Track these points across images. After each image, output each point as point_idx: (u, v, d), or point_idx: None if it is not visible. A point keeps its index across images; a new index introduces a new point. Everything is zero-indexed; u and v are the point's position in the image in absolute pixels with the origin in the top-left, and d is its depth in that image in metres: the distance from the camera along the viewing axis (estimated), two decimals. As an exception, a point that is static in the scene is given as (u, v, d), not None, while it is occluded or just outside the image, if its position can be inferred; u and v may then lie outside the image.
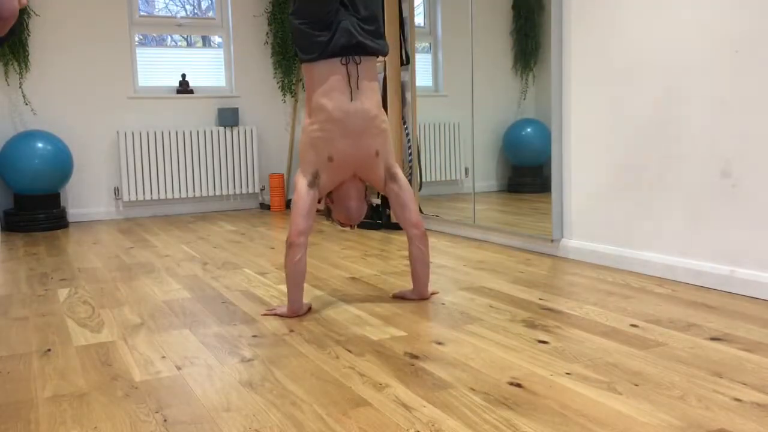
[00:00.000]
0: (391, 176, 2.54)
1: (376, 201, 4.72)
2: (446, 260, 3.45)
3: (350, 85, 2.41)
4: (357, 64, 2.41)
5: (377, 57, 2.50)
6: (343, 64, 2.40)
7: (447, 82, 4.32)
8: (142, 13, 5.73)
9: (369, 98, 2.45)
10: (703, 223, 2.76)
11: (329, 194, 2.59)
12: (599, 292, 2.71)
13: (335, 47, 2.37)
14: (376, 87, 2.52)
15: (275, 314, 2.51)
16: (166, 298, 2.83)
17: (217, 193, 5.89)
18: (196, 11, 6.06)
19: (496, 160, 3.92)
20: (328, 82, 2.40)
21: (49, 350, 2.17)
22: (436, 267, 3.26)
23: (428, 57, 4.50)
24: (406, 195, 2.56)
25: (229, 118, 5.85)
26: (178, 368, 1.97)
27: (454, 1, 4.17)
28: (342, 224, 2.65)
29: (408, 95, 4.63)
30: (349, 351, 2.08)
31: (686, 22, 2.76)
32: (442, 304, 2.61)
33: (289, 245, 2.42)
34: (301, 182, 2.46)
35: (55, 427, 1.60)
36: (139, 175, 5.59)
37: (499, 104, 3.83)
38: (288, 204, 5.89)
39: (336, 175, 2.48)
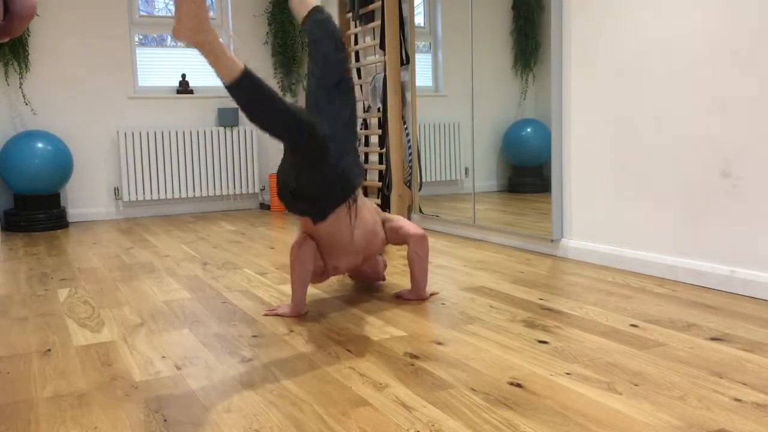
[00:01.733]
0: (382, 221, 2.66)
1: (376, 201, 4.73)
2: (446, 260, 3.45)
3: (351, 220, 2.48)
4: (356, 199, 2.50)
5: None
6: (347, 206, 2.47)
7: (447, 82, 4.32)
8: (142, 13, 5.73)
9: (367, 217, 2.55)
10: (703, 223, 2.76)
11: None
12: (599, 292, 2.71)
13: (341, 203, 2.43)
14: (365, 200, 2.62)
15: (276, 314, 2.51)
16: (166, 298, 2.83)
17: (217, 193, 5.89)
18: (196, 11, 6.06)
19: (496, 160, 3.92)
20: (333, 222, 2.44)
21: (49, 350, 2.17)
22: (436, 267, 3.26)
23: (428, 57, 4.50)
24: (397, 222, 2.67)
25: (229, 118, 5.86)
26: (178, 368, 1.97)
27: (454, 1, 4.17)
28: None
29: (408, 95, 4.63)
30: (349, 351, 2.08)
31: (686, 22, 2.76)
32: (442, 304, 2.61)
33: (299, 244, 2.46)
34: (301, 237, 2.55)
35: (55, 427, 1.60)
36: (139, 175, 5.59)
37: (499, 104, 3.82)
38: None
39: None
